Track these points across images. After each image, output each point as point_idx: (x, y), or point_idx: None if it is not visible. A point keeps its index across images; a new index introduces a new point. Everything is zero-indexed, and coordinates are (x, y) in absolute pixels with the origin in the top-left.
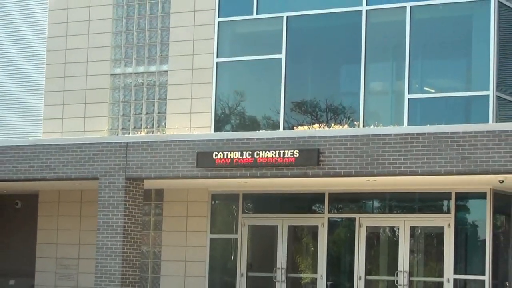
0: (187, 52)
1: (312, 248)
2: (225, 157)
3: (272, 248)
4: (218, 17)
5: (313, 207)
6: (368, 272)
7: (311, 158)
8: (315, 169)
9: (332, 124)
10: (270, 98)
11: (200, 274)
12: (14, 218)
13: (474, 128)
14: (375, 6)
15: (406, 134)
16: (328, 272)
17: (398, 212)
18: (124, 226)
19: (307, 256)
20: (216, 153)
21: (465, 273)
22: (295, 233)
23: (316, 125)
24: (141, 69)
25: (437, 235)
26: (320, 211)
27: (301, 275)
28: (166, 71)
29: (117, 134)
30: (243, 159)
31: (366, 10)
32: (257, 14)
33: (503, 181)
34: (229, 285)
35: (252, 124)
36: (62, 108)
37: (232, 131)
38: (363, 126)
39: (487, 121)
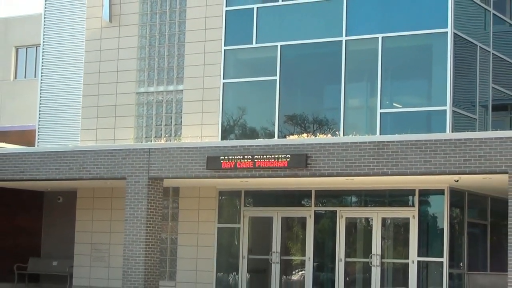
0: (199, 75)
1: (301, 236)
2: (230, 160)
3: (268, 236)
4: (224, 46)
5: (302, 202)
6: (347, 255)
7: (301, 161)
8: (303, 170)
9: (318, 134)
10: (266, 112)
11: (209, 256)
12: (56, 210)
13: (434, 137)
14: (353, 36)
15: (378, 142)
16: (314, 255)
17: (372, 205)
18: (147, 217)
19: (297, 242)
20: (223, 157)
21: (427, 256)
22: (287, 223)
23: (305, 135)
24: (161, 88)
25: (403, 225)
26: (308, 205)
27: (292, 258)
28: (182, 90)
29: (141, 142)
30: (244, 162)
31: (345, 40)
32: (256, 43)
33: (458, 180)
34: (233, 265)
35: (252, 134)
36: (96, 121)
37: (236, 139)
38: (343, 135)
39: (445, 131)
